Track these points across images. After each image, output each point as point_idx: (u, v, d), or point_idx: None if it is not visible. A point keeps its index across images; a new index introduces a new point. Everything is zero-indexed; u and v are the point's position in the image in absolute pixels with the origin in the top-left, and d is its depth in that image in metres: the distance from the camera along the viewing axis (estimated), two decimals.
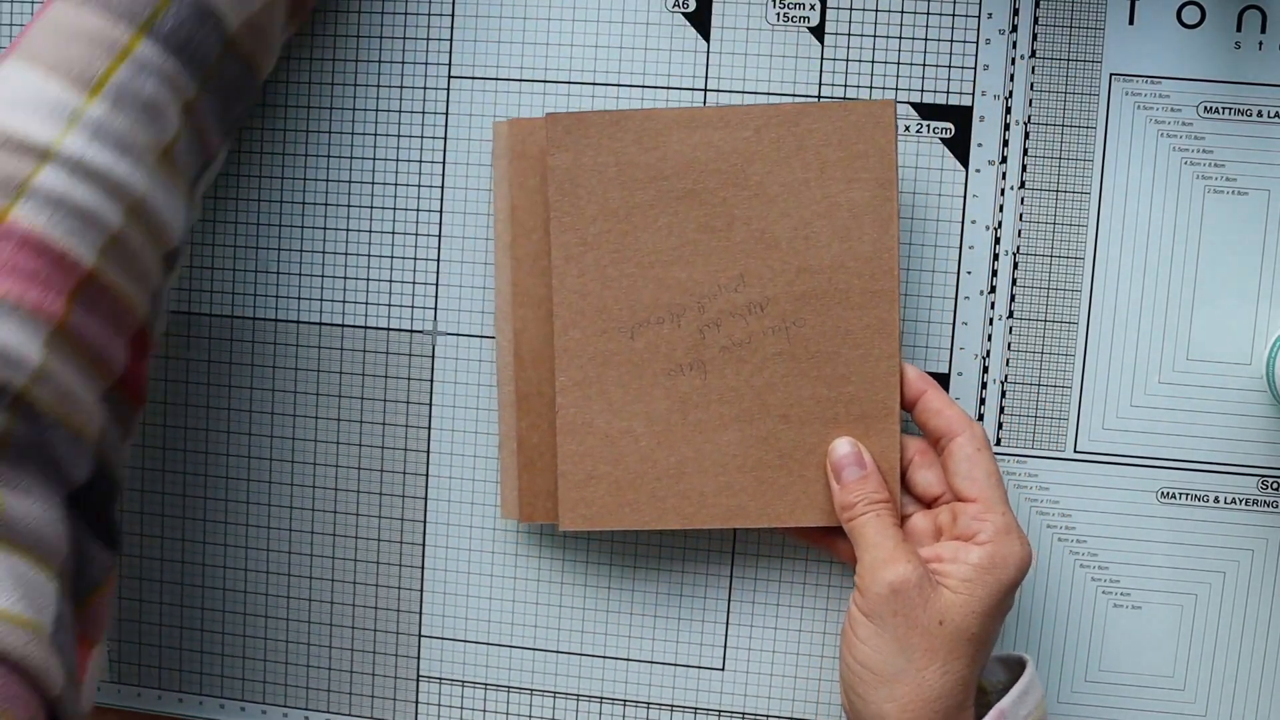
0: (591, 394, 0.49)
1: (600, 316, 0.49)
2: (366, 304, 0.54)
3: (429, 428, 0.54)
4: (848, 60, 0.51)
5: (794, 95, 0.51)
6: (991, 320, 0.51)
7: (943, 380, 0.51)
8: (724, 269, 0.48)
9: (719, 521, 0.49)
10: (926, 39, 0.50)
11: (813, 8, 0.51)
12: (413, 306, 0.54)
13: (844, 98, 0.51)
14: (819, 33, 0.51)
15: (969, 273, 0.51)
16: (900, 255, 0.51)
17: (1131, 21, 0.49)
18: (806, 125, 0.48)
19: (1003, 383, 0.51)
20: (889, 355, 0.48)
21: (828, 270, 0.48)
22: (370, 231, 0.54)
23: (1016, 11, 0.50)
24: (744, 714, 0.54)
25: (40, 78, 0.38)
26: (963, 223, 0.51)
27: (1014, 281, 0.51)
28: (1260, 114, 0.49)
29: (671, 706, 0.54)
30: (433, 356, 0.54)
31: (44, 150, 0.37)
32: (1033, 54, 0.50)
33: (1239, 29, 0.48)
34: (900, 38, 0.50)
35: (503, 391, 0.51)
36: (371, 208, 0.54)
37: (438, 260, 0.53)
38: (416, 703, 0.56)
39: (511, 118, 0.51)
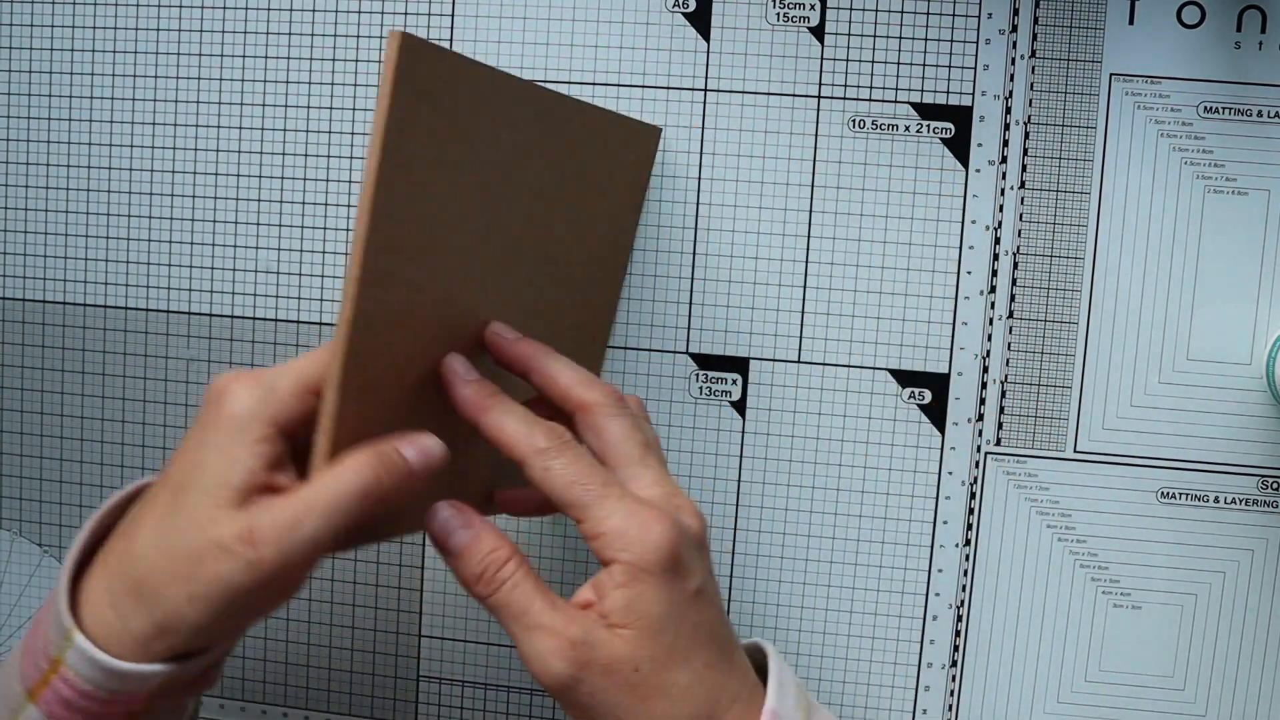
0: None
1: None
2: None
3: None
4: (848, 60, 0.51)
5: (794, 95, 0.51)
6: (991, 320, 0.51)
7: (942, 380, 0.51)
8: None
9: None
10: (926, 39, 0.50)
11: (813, 8, 0.51)
12: None
13: (844, 97, 0.51)
14: (819, 33, 0.51)
15: (969, 273, 0.51)
16: (901, 255, 0.51)
17: (1131, 21, 0.49)
18: (582, 124, 0.44)
19: (1003, 383, 0.51)
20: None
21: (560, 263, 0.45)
22: None
23: (1016, 11, 0.50)
24: None
25: None
26: (963, 223, 0.51)
27: (1014, 281, 0.51)
28: (1260, 114, 0.49)
29: None
30: None
31: None
32: (1033, 54, 0.50)
33: (1239, 29, 0.48)
34: (900, 38, 0.50)
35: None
36: None
37: None
38: (416, 703, 0.56)
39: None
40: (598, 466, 0.39)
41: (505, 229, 0.42)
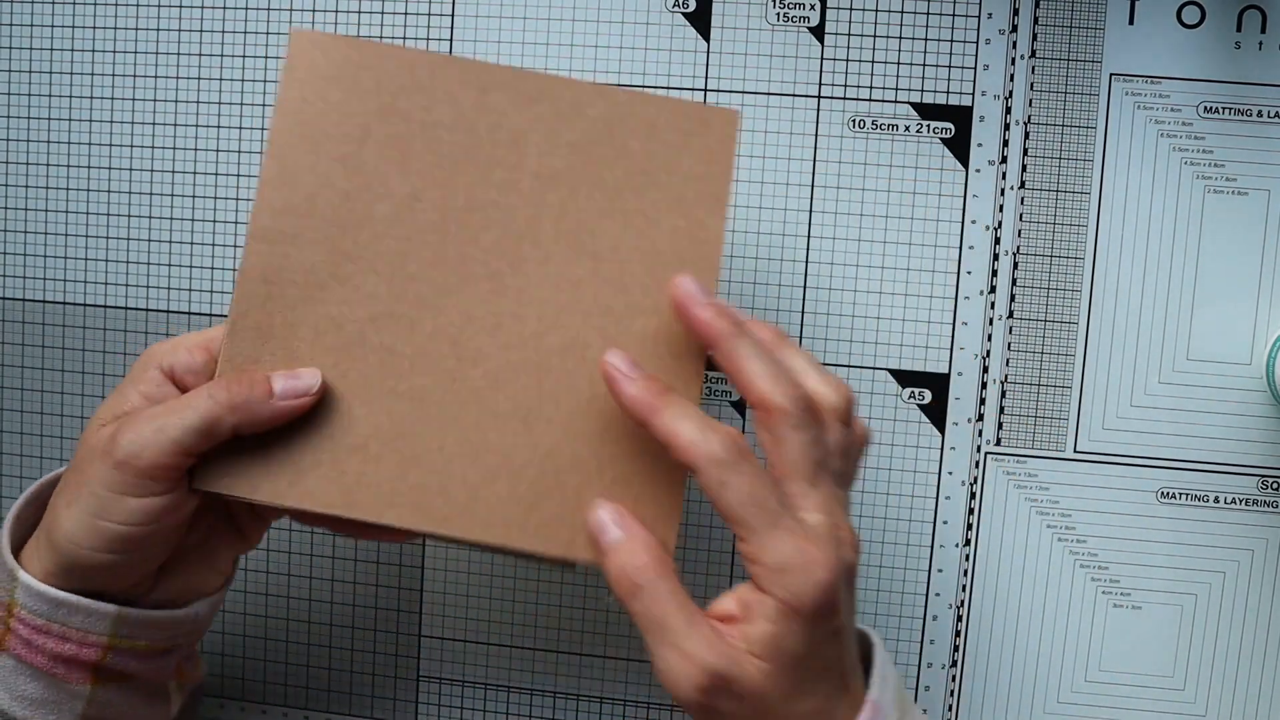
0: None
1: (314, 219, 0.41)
2: None
3: None
4: (848, 60, 0.51)
5: (794, 95, 0.51)
6: (991, 320, 0.51)
7: (942, 380, 0.51)
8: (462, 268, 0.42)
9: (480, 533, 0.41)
10: (926, 39, 0.50)
11: (813, 8, 0.51)
12: None
13: (844, 97, 0.51)
14: (819, 33, 0.51)
15: (969, 273, 0.51)
16: (901, 255, 0.51)
17: (1131, 21, 0.49)
18: (607, 111, 0.42)
19: (1003, 383, 0.51)
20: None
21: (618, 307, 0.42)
22: None
23: (1016, 11, 0.50)
24: None
25: None
26: (963, 223, 0.51)
27: (1014, 281, 0.51)
28: (1260, 114, 0.49)
29: (671, 707, 0.54)
30: None
31: None
32: (1033, 54, 0.50)
33: (1239, 29, 0.48)
34: (900, 38, 0.50)
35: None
36: None
37: None
38: (416, 703, 0.56)
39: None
40: (773, 487, 0.37)
41: (458, 206, 0.42)
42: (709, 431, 0.37)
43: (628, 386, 0.39)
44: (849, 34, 0.50)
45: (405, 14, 0.52)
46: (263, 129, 0.54)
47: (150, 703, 0.44)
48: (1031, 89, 0.50)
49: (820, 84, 0.51)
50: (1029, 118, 0.50)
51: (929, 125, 0.51)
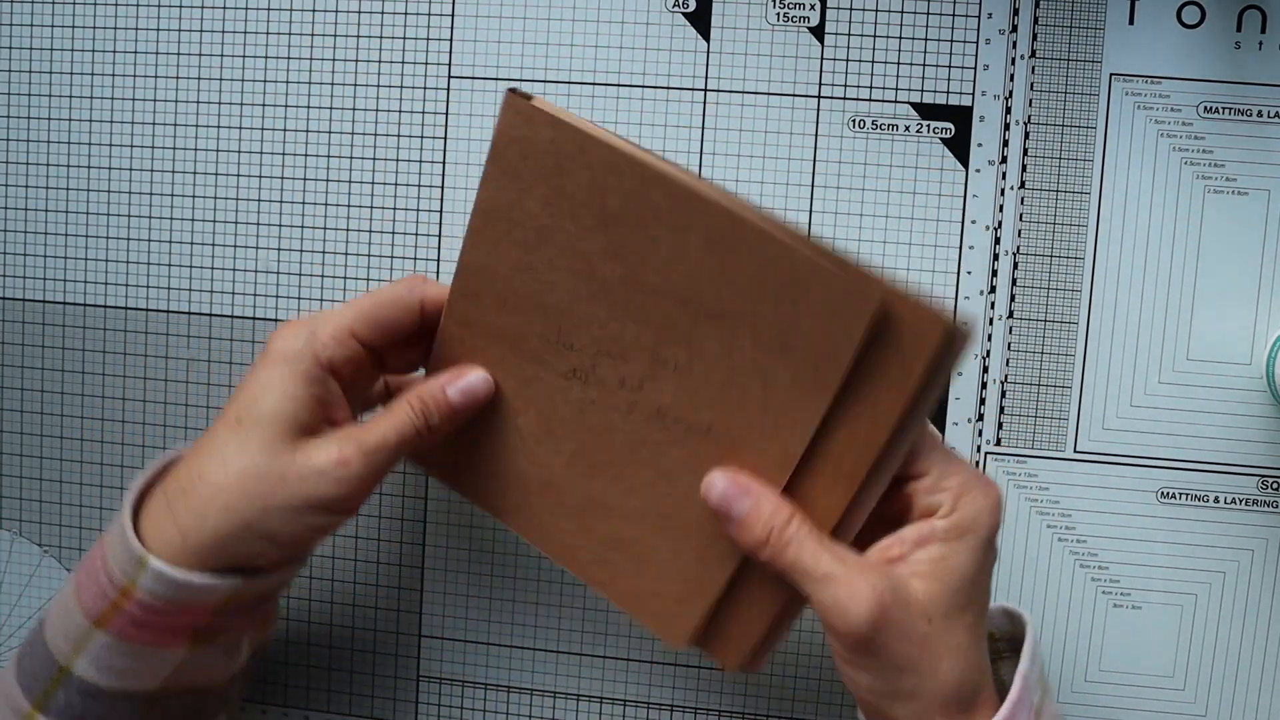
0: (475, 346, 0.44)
1: (501, 294, 0.43)
2: None
3: None
4: (848, 60, 0.51)
5: (794, 95, 0.51)
6: (991, 320, 0.51)
7: None
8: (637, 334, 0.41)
9: (560, 559, 0.45)
10: (926, 39, 0.50)
11: (813, 8, 0.51)
12: None
13: (844, 97, 0.51)
14: (819, 33, 0.51)
15: (969, 273, 0.51)
16: (901, 255, 0.51)
17: (1131, 21, 0.49)
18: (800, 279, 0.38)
19: (1003, 383, 0.51)
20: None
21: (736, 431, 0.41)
22: (370, 232, 0.54)
23: (1016, 11, 0.50)
24: (744, 714, 0.54)
25: None
26: (963, 223, 0.51)
27: (1014, 281, 0.51)
28: (1260, 114, 0.49)
29: (671, 706, 0.54)
30: None
31: None
32: (1033, 54, 0.50)
33: (1239, 29, 0.48)
34: (900, 38, 0.50)
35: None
36: (371, 208, 0.54)
37: (438, 261, 0.53)
38: (416, 703, 0.56)
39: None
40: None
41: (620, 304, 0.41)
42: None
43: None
44: (849, 34, 0.50)
45: (405, 14, 0.52)
46: (262, 129, 0.54)
47: (228, 658, 0.45)
48: (1031, 89, 0.50)
49: (820, 84, 0.51)
50: (1029, 118, 0.50)
51: (929, 125, 0.51)
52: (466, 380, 0.43)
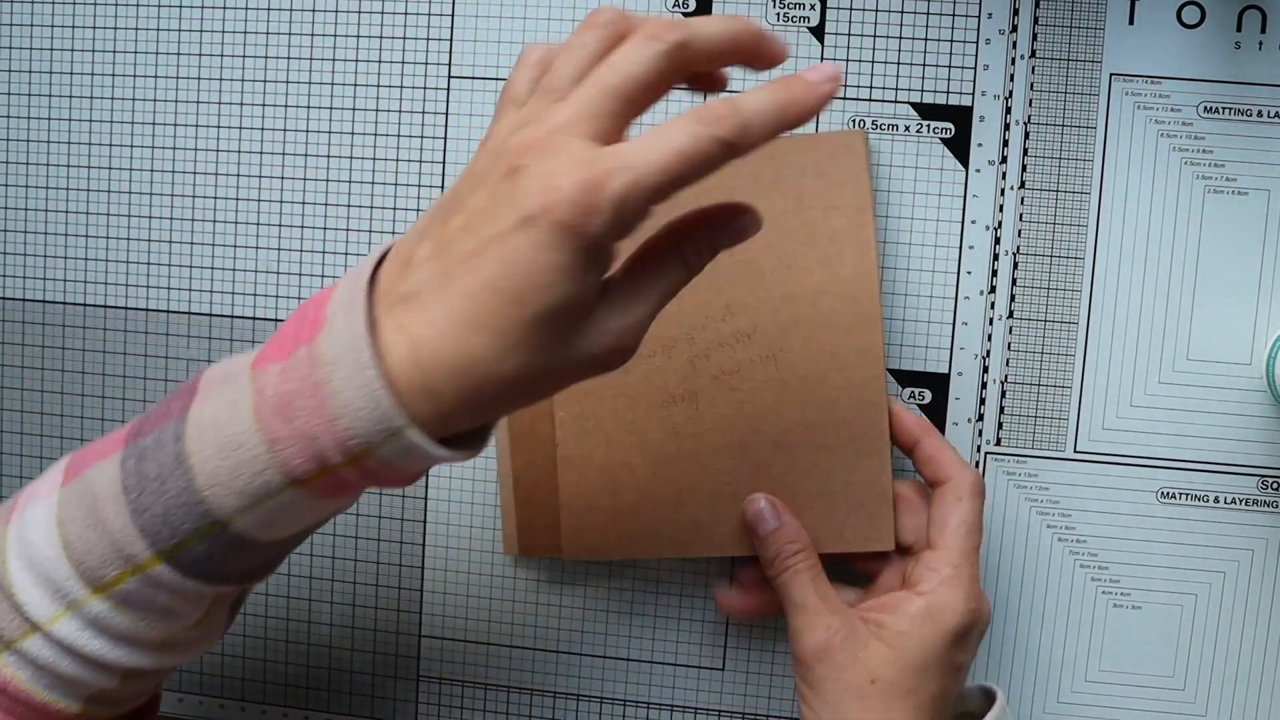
0: (589, 427, 0.49)
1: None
2: None
3: None
4: (848, 60, 0.51)
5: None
6: (991, 320, 0.51)
7: (942, 380, 0.51)
8: (711, 300, 0.48)
9: (715, 550, 0.49)
10: (926, 39, 0.50)
11: (813, 8, 0.51)
12: None
13: (844, 97, 0.51)
14: (819, 33, 0.51)
15: (969, 273, 0.51)
16: (901, 255, 0.51)
17: (1131, 21, 0.49)
18: (781, 158, 0.48)
19: (1003, 383, 0.51)
20: (875, 377, 0.48)
21: (810, 296, 0.48)
22: (370, 232, 0.54)
23: (1016, 11, 0.50)
24: (744, 714, 0.54)
25: (56, 552, 0.36)
26: (963, 223, 0.51)
27: (1014, 281, 0.51)
28: (1260, 114, 0.49)
29: (671, 706, 0.54)
30: None
31: (35, 624, 0.36)
32: (1033, 54, 0.50)
33: (1239, 29, 0.48)
34: (900, 38, 0.50)
35: (498, 432, 0.51)
36: (371, 208, 0.54)
37: None
38: (416, 703, 0.56)
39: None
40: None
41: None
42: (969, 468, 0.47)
43: (905, 416, 0.49)
44: (849, 34, 0.50)
45: (405, 14, 0.52)
46: (262, 129, 0.54)
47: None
48: (1031, 89, 0.50)
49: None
50: (1029, 118, 0.50)
51: (929, 125, 0.51)
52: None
